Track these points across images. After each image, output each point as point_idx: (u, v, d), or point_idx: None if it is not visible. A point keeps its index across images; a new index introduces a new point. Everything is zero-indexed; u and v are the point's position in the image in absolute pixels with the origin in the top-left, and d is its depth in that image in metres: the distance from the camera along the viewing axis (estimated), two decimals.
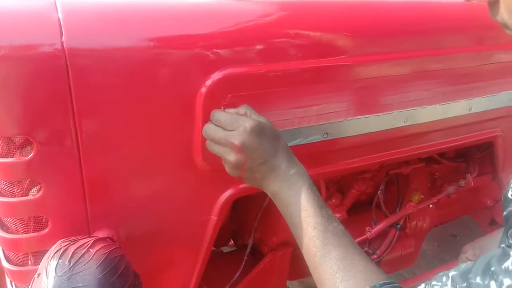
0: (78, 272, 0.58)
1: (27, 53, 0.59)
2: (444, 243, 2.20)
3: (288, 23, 0.80)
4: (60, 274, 0.58)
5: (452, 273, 0.55)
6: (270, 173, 0.70)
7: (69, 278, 0.57)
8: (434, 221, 1.44)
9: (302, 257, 0.68)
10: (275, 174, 0.70)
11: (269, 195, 0.73)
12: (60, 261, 0.59)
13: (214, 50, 0.71)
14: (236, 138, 0.67)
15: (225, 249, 1.31)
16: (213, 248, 1.08)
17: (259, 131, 0.68)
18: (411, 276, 1.80)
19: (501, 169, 1.34)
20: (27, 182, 0.70)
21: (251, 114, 0.71)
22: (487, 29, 1.07)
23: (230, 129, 0.69)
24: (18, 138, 0.66)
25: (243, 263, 1.06)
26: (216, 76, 0.72)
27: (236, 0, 0.81)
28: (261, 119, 0.71)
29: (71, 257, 0.60)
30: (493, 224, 1.70)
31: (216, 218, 0.85)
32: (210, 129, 0.71)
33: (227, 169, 0.72)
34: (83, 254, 0.60)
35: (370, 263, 0.64)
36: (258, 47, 0.75)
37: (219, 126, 0.70)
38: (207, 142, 0.73)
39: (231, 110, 0.73)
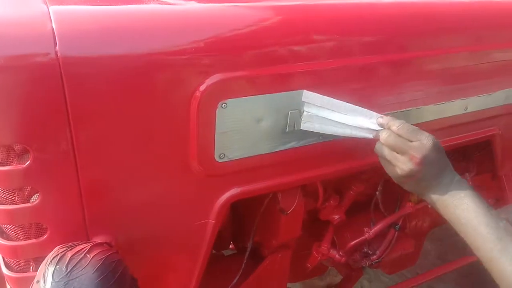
0: (75, 278, 0.59)
1: (22, 63, 0.60)
2: (448, 243, 2.19)
3: (279, 28, 0.80)
4: (57, 280, 0.58)
5: None
6: (438, 183, 0.76)
7: (66, 284, 0.58)
8: (435, 221, 1.43)
9: (302, 260, 0.70)
10: (443, 183, 0.76)
11: (428, 202, 0.79)
12: (58, 267, 0.60)
13: (207, 55, 0.72)
14: (419, 151, 0.73)
15: (226, 253, 1.31)
16: (213, 252, 1.08)
17: (438, 146, 0.75)
18: (414, 276, 1.80)
19: (500, 168, 1.34)
20: (28, 189, 0.71)
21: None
22: (482, 28, 1.07)
23: (411, 140, 0.74)
24: (17, 146, 0.67)
25: (243, 266, 1.06)
26: (209, 81, 0.72)
27: (228, 6, 0.82)
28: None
29: (68, 262, 0.60)
30: None
31: (214, 221, 0.85)
32: (391, 136, 0.76)
33: (393, 173, 0.77)
34: (80, 260, 0.61)
35: None
36: (250, 52, 0.76)
37: (399, 135, 0.75)
38: (378, 145, 0.78)
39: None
